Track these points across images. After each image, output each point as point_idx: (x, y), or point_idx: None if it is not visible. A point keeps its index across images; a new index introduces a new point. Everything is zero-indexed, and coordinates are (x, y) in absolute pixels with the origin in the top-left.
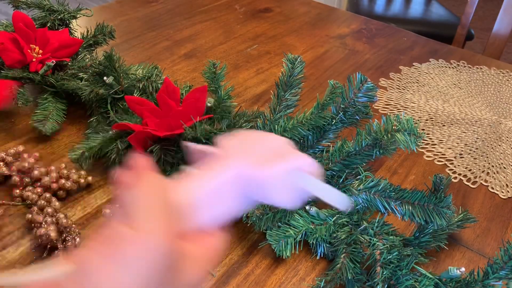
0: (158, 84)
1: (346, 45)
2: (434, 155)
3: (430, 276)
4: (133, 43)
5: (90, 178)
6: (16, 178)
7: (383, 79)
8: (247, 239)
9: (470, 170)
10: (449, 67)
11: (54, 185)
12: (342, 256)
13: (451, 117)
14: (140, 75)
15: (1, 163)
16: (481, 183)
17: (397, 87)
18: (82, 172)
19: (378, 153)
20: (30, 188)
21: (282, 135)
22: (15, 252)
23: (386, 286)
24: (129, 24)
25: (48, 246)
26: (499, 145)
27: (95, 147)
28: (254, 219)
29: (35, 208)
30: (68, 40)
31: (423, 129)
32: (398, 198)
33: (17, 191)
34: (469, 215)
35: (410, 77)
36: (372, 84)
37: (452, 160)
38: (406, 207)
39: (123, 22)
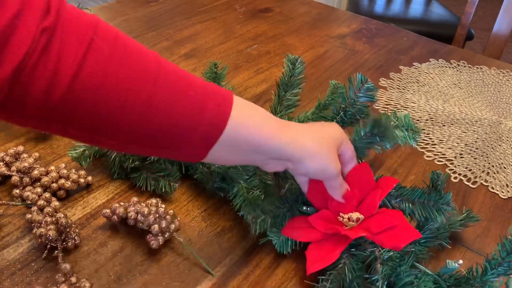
0: None
1: (346, 45)
2: (434, 155)
3: (429, 272)
4: None
5: (90, 178)
6: (16, 178)
7: (383, 79)
8: (247, 239)
9: (470, 170)
10: (449, 67)
11: (54, 185)
12: (344, 256)
13: (451, 117)
14: None
15: (1, 163)
16: (481, 183)
17: (397, 87)
18: (82, 172)
19: (378, 139)
20: (30, 188)
21: None
22: (15, 252)
23: (386, 282)
24: (129, 24)
25: (48, 246)
26: (499, 145)
27: (95, 146)
28: (249, 222)
29: (35, 208)
30: None
31: (423, 129)
32: (398, 196)
33: (17, 191)
34: (473, 214)
35: (410, 77)
36: (372, 84)
37: (452, 160)
38: (406, 204)
39: (123, 22)
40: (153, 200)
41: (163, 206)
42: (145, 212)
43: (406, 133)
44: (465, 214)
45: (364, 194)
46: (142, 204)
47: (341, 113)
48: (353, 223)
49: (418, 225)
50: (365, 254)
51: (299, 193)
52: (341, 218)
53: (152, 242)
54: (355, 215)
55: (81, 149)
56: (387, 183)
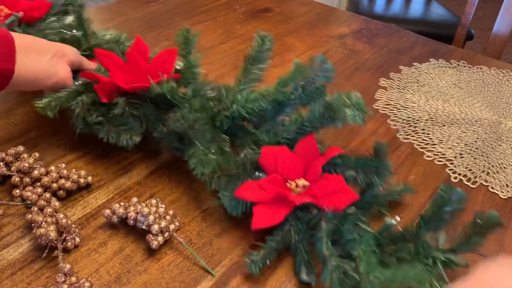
0: (126, 47)
1: (346, 45)
2: (434, 155)
3: (370, 230)
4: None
5: (90, 178)
6: (16, 178)
7: (383, 79)
8: (247, 239)
9: (470, 170)
10: (449, 67)
11: (54, 185)
12: (291, 219)
13: (451, 117)
14: (107, 39)
15: (1, 163)
16: (481, 183)
17: (397, 87)
18: (82, 172)
19: (328, 120)
20: (30, 188)
21: (244, 106)
22: (15, 252)
23: (329, 240)
24: (129, 24)
25: (48, 246)
26: (499, 145)
27: (62, 98)
28: (205, 179)
29: (35, 208)
30: (37, 3)
31: (423, 129)
32: (344, 165)
33: (17, 191)
34: (409, 186)
35: (410, 77)
36: (331, 66)
37: (452, 160)
38: (351, 172)
39: (123, 22)
40: (153, 200)
41: (163, 206)
42: (145, 212)
43: (356, 112)
44: (402, 185)
45: (309, 162)
46: (142, 204)
47: (300, 90)
48: (299, 189)
49: (361, 191)
50: (310, 216)
51: (253, 160)
52: (289, 184)
53: (152, 242)
54: (302, 182)
55: (47, 100)
56: (331, 152)
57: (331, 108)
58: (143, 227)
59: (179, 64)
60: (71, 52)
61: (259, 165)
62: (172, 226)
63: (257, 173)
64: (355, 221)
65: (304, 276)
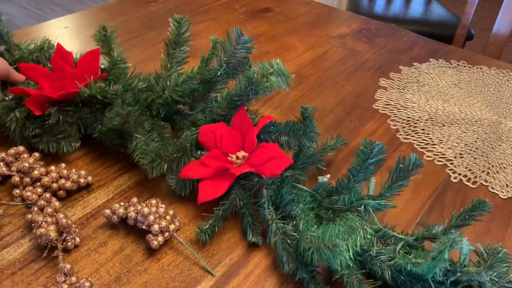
0: (51, 53)
1: (346, 45)
2: (434, 155)
3: (306, 189)
4: (133, 43)
5: (90, 178)
6: (16, 178)
7: (383, 79)
8: (247, 239)
9: (470, 170)
10: (449, 67)
11: (54, 185)
12: (235, 188)
13: (451, 117)
14: (32, 49)
15: (1, 163)
16: (481, 183)
17: (397, 87)
18: (82, 172)
19: (252, 92)
20: (30, 188)
21: (174, 90)
22: (15, 252)
23: (271, 204)
24: (129, 24)
25: (48, 246)
26: (499, 145)
27: None
28: (146, 168)
29: (35, 208)
30: None
31: (423, 129)
32: (276, 131)
33: (17, 191)
34: (342, 139)
35: (410, 77)
36: (248, 37)
37: (452, 160)
38: (282, 137)
39: (123, 22)
40: (153, 201)
41: (163, 206)
42: (145, 212)
43: (280, 78)
44: (335, 139)
45: (245, 134)
46: (142, 204)
47: (224, 65)
48: (240, 160)
49: (295, 153)
50: (252, 183)
51: (193, 140)
52: (230, 158)
53: (152, 242)
54: (241, 153)
55: None
56: (262, 121)
57: (252, 81)
58: (143, 227)
59: (103, 63)
60: None
61: (200, 144)
62: (172, 226)
63: (199, 152)
64: (292, 182)
65: (251, 238)
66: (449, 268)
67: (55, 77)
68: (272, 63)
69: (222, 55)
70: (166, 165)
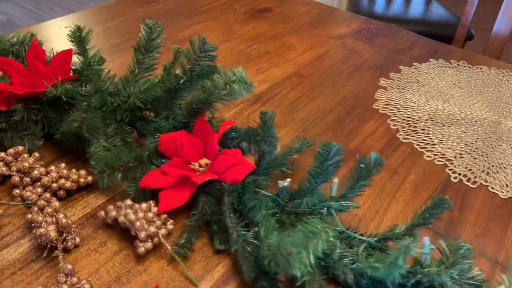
0: None
1: (346, 45)
2: (434, 155)
3: (268, 194)
4: (133, 43)
5: (90, 178)
6: (16, 178)
7: (383, 79)
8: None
9: (470, 170)
10: (449, 67)
11: (54, 185)
12: (201, 196)
13: (451, 117)
14: (14, 41)
15: (1, 163)
16: (481, 183)
17: (397, 87)
18: (82, 172)
19: (205, 104)
20: (30, 188)
21: (138, 97)
22: (15, 252)
23: (233, 211)
24: (129, 24)
25: (48, 246)
26: (499, 145)
27: None
28: (97, 178)
29: (35, 208)
30: None
31: (423, 129)
32: (237, 137)
33: (17, 191)
34: (307, 141)
35: (410, 77)
36: (211, 46)
37: (452, 160)
38: (244, 143)
39: (123, 22)
40: (143, 205)
41: (156, 208)
42: (131, 219)
43: (242, 86)
44: (300, 142)
45: (206, 141)
46: (129, 210)
47: (189, 73)
48: (203, 168)
49: (258, 158)
50: (216, 189)
51: (154, 149)
52: (193, 166)
53: (139, 249)
54: (203, 161)
55: None
56: (223, 127)
57: (204, 89)
58: (131, 233)
59: (74, 64)
60: None
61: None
62: (162, 231)
63: (162, 161)
64: (254, 188)
65: (217, 246)
66: (409, 270)
67: (28, 74)
68: (234, 71)
69: (186, 63)
70: (120, 174)
